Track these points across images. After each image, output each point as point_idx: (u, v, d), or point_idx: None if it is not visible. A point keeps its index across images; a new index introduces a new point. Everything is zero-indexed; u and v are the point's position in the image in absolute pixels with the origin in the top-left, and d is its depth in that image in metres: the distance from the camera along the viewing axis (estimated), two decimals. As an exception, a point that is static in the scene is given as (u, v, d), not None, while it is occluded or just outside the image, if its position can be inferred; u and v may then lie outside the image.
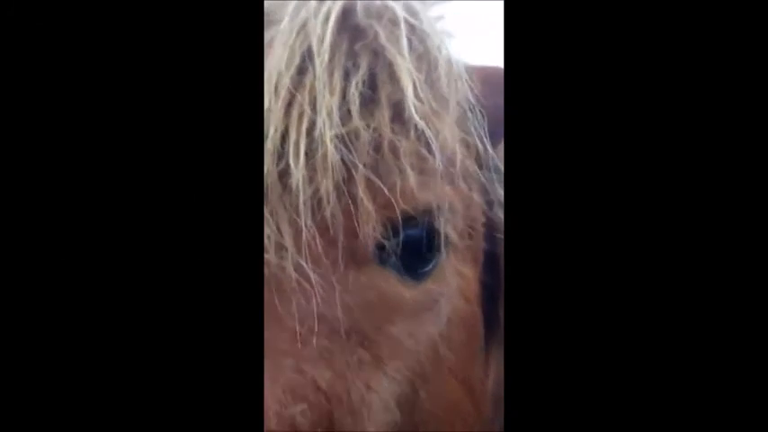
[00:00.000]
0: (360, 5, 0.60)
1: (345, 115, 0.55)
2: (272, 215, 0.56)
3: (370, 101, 0.57)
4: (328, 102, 0.53)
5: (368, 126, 0.56)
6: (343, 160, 0.55)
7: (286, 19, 0.59)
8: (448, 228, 0.64)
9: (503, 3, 0.61)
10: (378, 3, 0.59)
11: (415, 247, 0.62)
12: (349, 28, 0.59)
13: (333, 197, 0.55)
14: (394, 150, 0.57)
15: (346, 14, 0.60)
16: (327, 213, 0.56)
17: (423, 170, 0.60)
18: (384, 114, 0.56)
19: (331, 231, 0.57)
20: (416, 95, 0.58)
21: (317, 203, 0.56)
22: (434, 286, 0.65)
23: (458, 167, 0.63)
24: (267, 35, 0.62)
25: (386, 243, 0.59)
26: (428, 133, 0.58)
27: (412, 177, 0.58)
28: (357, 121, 0.55)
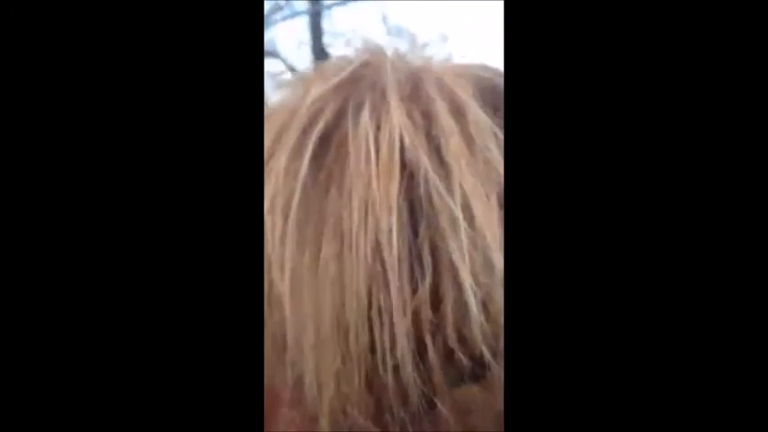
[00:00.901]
0: (421, 175, 0.52)
1: (420, 350, 0.52)
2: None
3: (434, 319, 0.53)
4: (402, 342, 0.50)
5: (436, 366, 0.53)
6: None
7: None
8: None
9: (503, 3, 0.60)
10: (432, 174, 0.53)
11: None
12: (409, 198, 0.52)
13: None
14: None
15: (408, 188, 0.52)
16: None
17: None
18: (452, 340, 0.52)
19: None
20: (480, 321, 0.53)
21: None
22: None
23: None
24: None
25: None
26: (490, 359, 0.54)
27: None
28: (434, 362, 0.52)
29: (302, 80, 0.65)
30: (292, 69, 12.42)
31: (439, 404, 0.52)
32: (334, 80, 0.58)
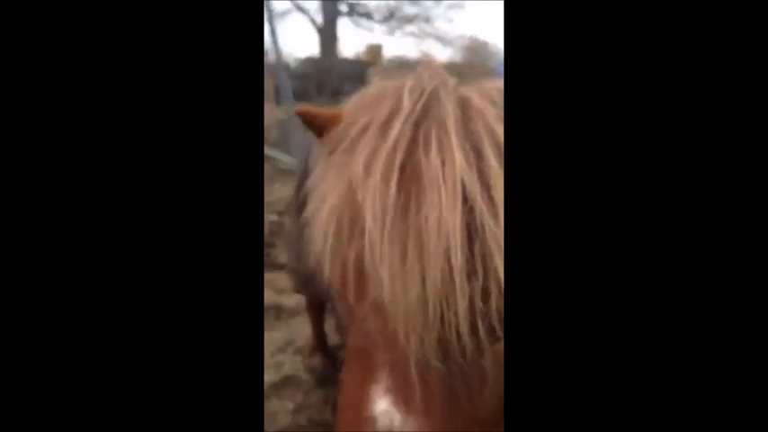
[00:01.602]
0: (477, 209, 0.71)
1: (473, 326, 0.72)
2: None
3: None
4: (462, 318, 0.71)
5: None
6: None
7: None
8: None
9: (503, 2, 0.59)
10: (484, 210, 0.71)
11: None
12: (467, 224, 0.71)
13: None
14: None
15: (468, 216, 0.71)
16: None
17: None
18: (494, 320, 0.72)
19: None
20: None
21: None
22: None
23: None
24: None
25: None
26: None
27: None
28: (482, 333, 0.71)
29: (379, 102, 0.84)
30: (300, 9, 12.11)
31: (485, 356, 0.73)
32: (411, 117, 0.79)
